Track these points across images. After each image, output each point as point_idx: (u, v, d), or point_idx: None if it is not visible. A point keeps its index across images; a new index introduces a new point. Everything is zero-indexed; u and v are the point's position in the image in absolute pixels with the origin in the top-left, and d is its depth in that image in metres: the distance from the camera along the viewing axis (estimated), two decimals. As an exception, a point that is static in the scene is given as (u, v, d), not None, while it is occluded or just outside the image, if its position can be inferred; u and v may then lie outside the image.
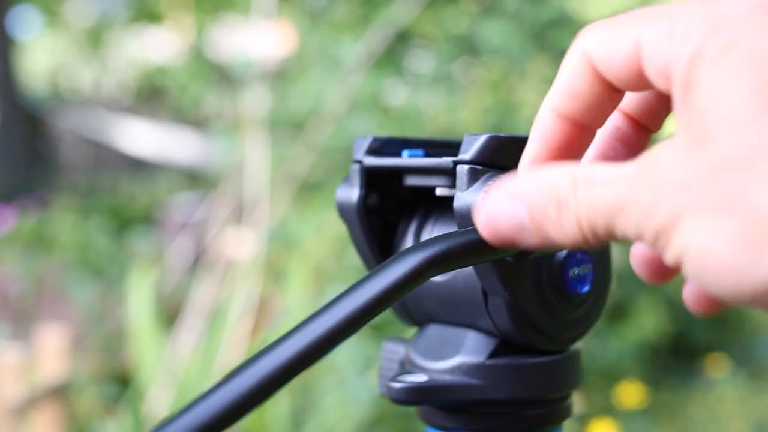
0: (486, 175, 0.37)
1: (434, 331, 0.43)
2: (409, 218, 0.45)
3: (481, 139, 0.37)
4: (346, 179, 0.44)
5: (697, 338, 2.89)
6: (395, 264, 0.30)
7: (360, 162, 0.43)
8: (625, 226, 0.28)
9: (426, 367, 0.42)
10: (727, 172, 0.26)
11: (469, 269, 0.40)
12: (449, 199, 0.41)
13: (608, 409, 2.37)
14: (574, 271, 0.41)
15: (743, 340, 3.06)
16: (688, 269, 0.27)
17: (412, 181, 0.43)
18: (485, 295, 0.40)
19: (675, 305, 2.58)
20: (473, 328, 0.42)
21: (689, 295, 0.34)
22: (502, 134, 0.37)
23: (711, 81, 0.27)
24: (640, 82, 0.30)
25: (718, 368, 2.78)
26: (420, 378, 0.41)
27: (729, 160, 0.26)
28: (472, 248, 0.32)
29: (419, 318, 0.44)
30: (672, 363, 2.88)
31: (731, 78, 0.26)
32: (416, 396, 0.40)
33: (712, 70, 0.27)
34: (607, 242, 0.29)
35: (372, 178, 0.43)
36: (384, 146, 0.43)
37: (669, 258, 0.27)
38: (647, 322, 2.49)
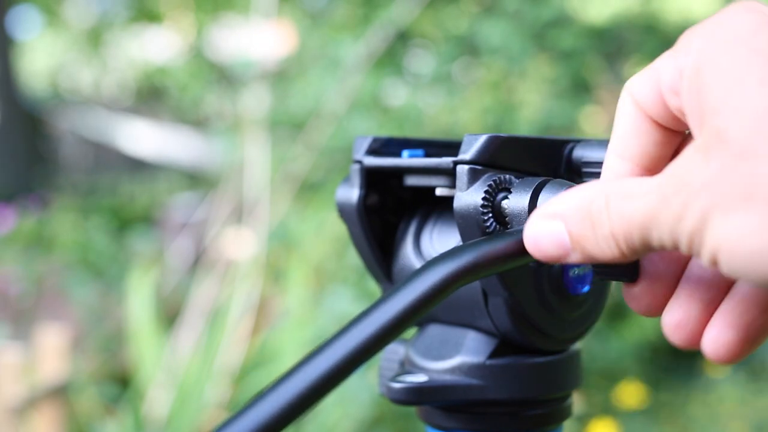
0: (486, 175, 0.37)
1: (434, 331, 0.43)
2: (409, 218, 0.45)
3: (481, 139, 0.37)
4: (346, 179, 0.44)
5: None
6: (415, 282, 0.31)
7: (360, 162, 0.43)
8: (660, 235, 0.28)
9: (426, 367, 0.42)
10: (746, 162, 0.26)
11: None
12: (449, 199, 0.41)
13: (608, 409, 2.37)
14: (574, 272, 0.40)
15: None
16: (723, 264, 0.27)
17: (412, 181, 0.43)
18: (485, 295, 0.40)
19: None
20: (473, 328, 0.42)
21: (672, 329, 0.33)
22: (502, 134, 0.37)
23: (716, 79, 0.27)
24: (672, 114, 0.31)
25: (718, 368, 2.77)
26: (420, 378, 0.41)
27: (745, 152, 0.26)
28: (499, 257, 0.32)
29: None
30: (672, 363, 2.88)
31: (736, 73, 0.27)
32: (416, 396, 0.40)
33: (716, 70, 0.27)
34: (644, 253, 0.30)
35: (372, 178, 0.43)
36: (384, 146, 0.43)
37: (705, 259, 0.28)
38: (647, 322, 2.49)
